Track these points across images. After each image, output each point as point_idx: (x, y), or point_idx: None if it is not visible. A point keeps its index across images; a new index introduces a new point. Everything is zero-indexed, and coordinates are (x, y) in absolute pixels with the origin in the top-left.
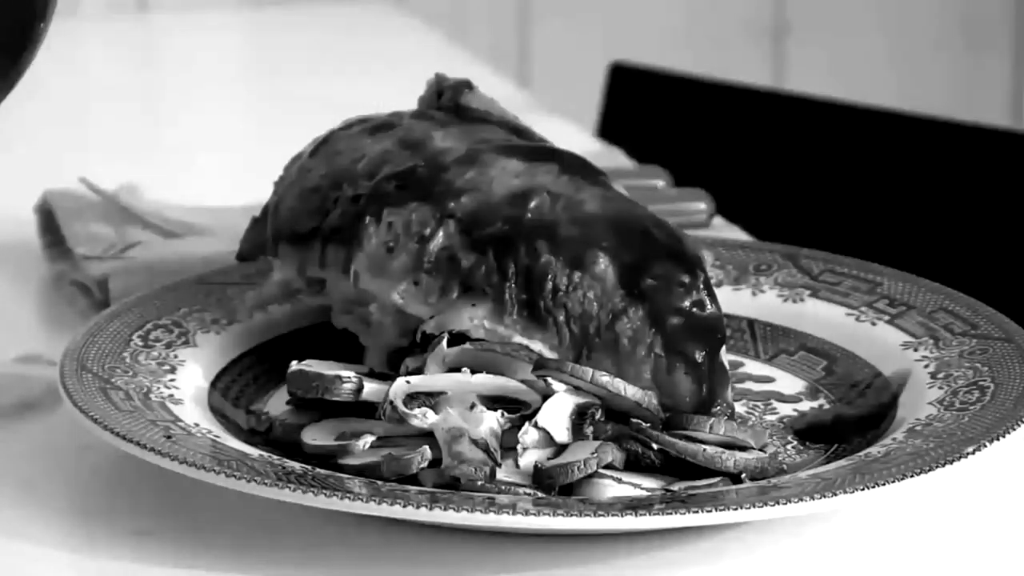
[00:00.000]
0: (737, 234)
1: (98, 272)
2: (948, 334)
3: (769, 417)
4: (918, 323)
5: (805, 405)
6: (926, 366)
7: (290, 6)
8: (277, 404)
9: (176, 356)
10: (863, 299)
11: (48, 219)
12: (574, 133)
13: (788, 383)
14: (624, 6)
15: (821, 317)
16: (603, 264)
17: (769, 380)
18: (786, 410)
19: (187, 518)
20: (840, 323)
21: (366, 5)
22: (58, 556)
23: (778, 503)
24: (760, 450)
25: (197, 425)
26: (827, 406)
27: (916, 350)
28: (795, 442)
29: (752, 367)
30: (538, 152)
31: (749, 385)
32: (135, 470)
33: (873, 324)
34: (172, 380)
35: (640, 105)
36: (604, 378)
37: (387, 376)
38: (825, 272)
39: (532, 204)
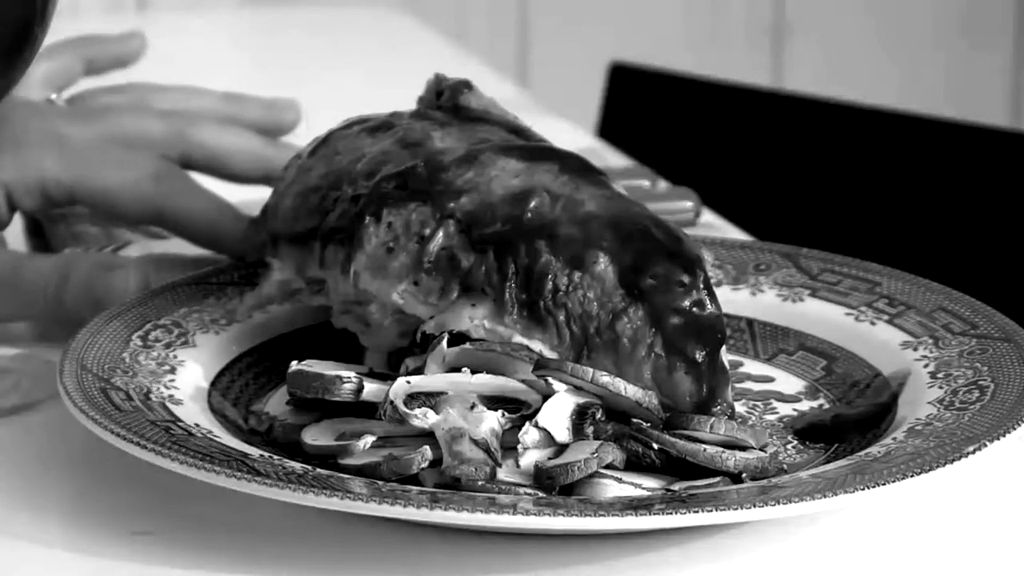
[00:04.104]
0: (736, 233)
1: None
2: (948, 334)
3: (769, 417)
4: (918, 323)
5: (805, 405)
6: (926, 366)
7: (290, 6)
8: (277, 404)
9: (176, 356)
10: (862, 299)
11: (34, 222)
12: (573, 133)
13: (788, 383)
14: (624, 6)
15: (821, 317)
16: (603, 264)
17: (769, 380)
18: (786, 410)
19: (187, 518)
20: (839, 323)
21: (366, 5)
22: (58, 556)
23: (778, 503)
24: (760, 450)
25: (197, 425)
26: (827, 406)
27: (916, 350)
28: (795, 442)
29: (752, 367)
30: (538, 152)
31: (749, 385)
32: (135, 470)
33: (872, 324)
34: (172, 380)
35: (640, 105)
36: (604, 378)
37: (387, 376)
38: (824, 272)
39: (532, 204)
